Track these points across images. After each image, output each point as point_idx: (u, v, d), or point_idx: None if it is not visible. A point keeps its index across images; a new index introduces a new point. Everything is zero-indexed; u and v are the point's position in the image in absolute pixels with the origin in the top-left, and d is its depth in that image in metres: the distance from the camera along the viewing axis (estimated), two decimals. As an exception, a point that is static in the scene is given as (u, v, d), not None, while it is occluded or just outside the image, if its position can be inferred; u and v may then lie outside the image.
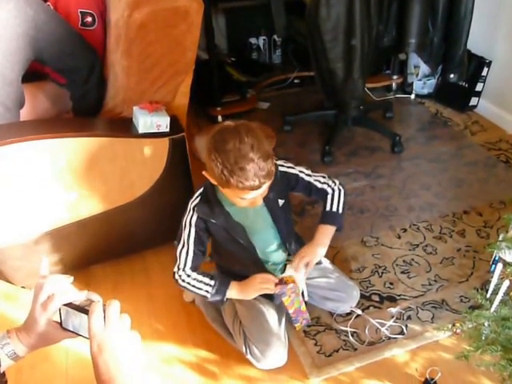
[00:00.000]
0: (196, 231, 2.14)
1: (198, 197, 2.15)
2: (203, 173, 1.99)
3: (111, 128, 2.49)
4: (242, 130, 1.87)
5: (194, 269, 2.18)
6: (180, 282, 2.20)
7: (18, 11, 2.26)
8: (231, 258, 2.30)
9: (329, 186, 2.27)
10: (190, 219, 2.14)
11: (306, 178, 2.25)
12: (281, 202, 2.22)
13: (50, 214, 2.40)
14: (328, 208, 2.26)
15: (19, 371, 2.31)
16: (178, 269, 2.18)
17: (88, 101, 2.58)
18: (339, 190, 2.27)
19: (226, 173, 1.83)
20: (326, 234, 2.24)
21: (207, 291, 2.16)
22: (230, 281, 2.20)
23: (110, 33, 2.56)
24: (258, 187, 1.88)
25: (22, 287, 2.63)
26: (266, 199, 2.09)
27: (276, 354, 2.23)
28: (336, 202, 2.26)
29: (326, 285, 2.41)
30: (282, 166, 2.20)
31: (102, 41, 2.67)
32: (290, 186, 2.25)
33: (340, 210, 2.26)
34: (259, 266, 2.28)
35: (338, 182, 2.29)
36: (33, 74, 2.55)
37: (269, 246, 2.30)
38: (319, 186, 2.27)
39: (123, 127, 2.48)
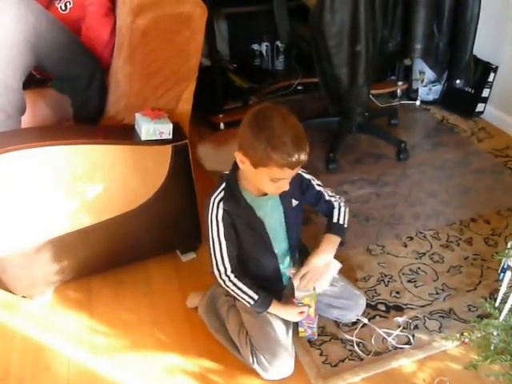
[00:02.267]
0: (224, 226, 2.12)
1: (221, 191, 2.12)
2: (235, 154, 1.99)
3: (113, 135, 2.46)
4: (284, 110, 1.96)
5: (235, 270, 2.18)
6: (224, 285, 2.21)
7: (19, 18, 2.25)
8: (247, 257, 2.25)
9: (336, 200, 2.32)
10: (216, 215, 2.11)
11: (317, 187, 2.29)
12: (294, 202, 2.22)
13: (51, 222, 2.37)
14: (335, 220, 2.29)
15: (20, 381, 2.29)
16: (219, 272, 2.17)
17: (89, 108, 2.56)
18: (345, 207, 2.32)
19: (269, 149, 1.85)
20: (332, 242, 2.26)
21: (249, 303, 2.17)
22: (271, 301, 2.20)
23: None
24: (296, 165, 1.92)
25: (23, 297, 2.60)
26: (281, 195, 2.14)
27: (283, 364, 2.20)
28: (342, 215, 2.30)
29: (332, 293, 2.37)
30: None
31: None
32: (302, 189, 2.25)
33: (345, 224, 2.30)
34: (274, 266, 2.29)
35: (343, 199, 2.34)
36: (33, 80, 2.53)
37: (280, 247, 2.28)
38: (327, 197, 2.31)
39: (125, 134, 2.45)
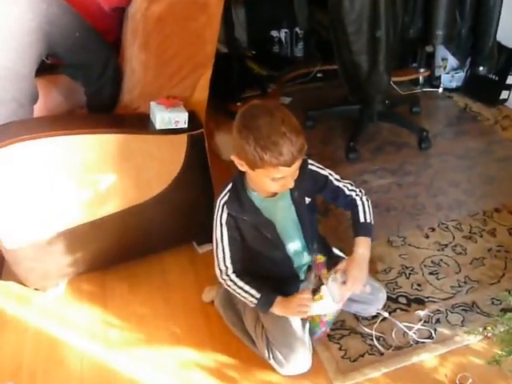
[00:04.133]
0: (228, 229, 2.10)
1: (226, 193, 2.08)
2: (231, 157, 1.94)
3: (127, 124, 2.44)
4: (271, 105, 1.90)
5: (237, 271, 2.14)
6: (225, 285, 2.18)
7: (31, 5, 2.24)
8: (257, 258, 2.21)
9: (357, 194, 2.20)
10: (221, 218, 2.08)
11: (336, 183, 2.19)
12: (307, 200, 2.16)
13: (64, 213, 2.35)
14: (362, 219, 2.18)
15: (33, 376, 2.27)
16: (220, 271, 2.15)
17: (103, 96, 2.54)
18: (367, 201, 2.21)
19: (258, 149, 1.80)
20: (366, 246, 2.15)
21: (251, 301, 2.12)
22: (276, 297, 2.11)
23: (126, 26, 2.51)
24: (292, 163, 1.84)
25: (36, 289, 2.59)
26: (293, 195, 2.09)
27: (300, 359, 2.15)
28: (368, 213, 2.19)
29: None
30: (313, 164, 2.15)
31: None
32: (318, 186, 2.18)
33: (372, 221, 2.19)
34: (287, 265, 2.23)
35: (364, 192, 2.23)
36: (43, 66, 2.50)
37: (294, 245, 2.23)
38: (347, 192, 2.20)
39: (140, 123, 2.43)
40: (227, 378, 2.22)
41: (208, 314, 2.47)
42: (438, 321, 2.37)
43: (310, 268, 2.30)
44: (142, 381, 2.22)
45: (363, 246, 2.14)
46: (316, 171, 2.16)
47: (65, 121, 2.50)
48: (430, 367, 2.20)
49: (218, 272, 2.15)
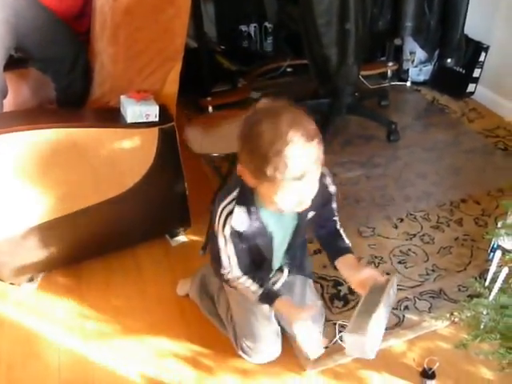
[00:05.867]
0: (233, 242, 1.87)
1: (231, 201, 1.81)
2: (238, 168, 1.67)
3: (98, 118, 2.45)
4: (278, 107, 1.59)
5: (243, 271, 1.99)
6: (229, 284, 2.05)
7: None
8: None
9: (338, 220, 2.09)
10: (223, 229, 1.84)
11: (334, 204, 2.04)
12: (310, 214, 1.94)
13: (37, 207, 2.35)
14: (348, 242, 2.05)
15: (11, 369, 2.28)
16: (227, 273, 1.98)
17: (73, 91, 2.54)
18: None
19: (260, 161, 1.51)
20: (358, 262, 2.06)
21: (253, 297, 2.02)
22: (277, 296, 1.98)
23: (94, 19, 2.50)
24: (302, 176, 1.52)
25: (11, 283, 2.58)
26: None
27: (267, 348, 2.18)
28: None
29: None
30: (326, 176, 1.88)
31: None
32: (322, 202, 1.93)
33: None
34: (267, 269, 2.17)
35: None
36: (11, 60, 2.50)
37: (279, 255, 2.15)
38: (335, 216, 2.07)
39: (111, 117, 2.43)
40: (203, 366, 2.25)
41: (183, 305, 2.49)
42: (406, 308, 2.42)
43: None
44: (119, 371, 2.24)
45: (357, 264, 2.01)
46: (327, 185, 1.92)
47: (35, 115, 2.50)
48: (399, 352, 2.25)
49: (222, 272, 1.99)
